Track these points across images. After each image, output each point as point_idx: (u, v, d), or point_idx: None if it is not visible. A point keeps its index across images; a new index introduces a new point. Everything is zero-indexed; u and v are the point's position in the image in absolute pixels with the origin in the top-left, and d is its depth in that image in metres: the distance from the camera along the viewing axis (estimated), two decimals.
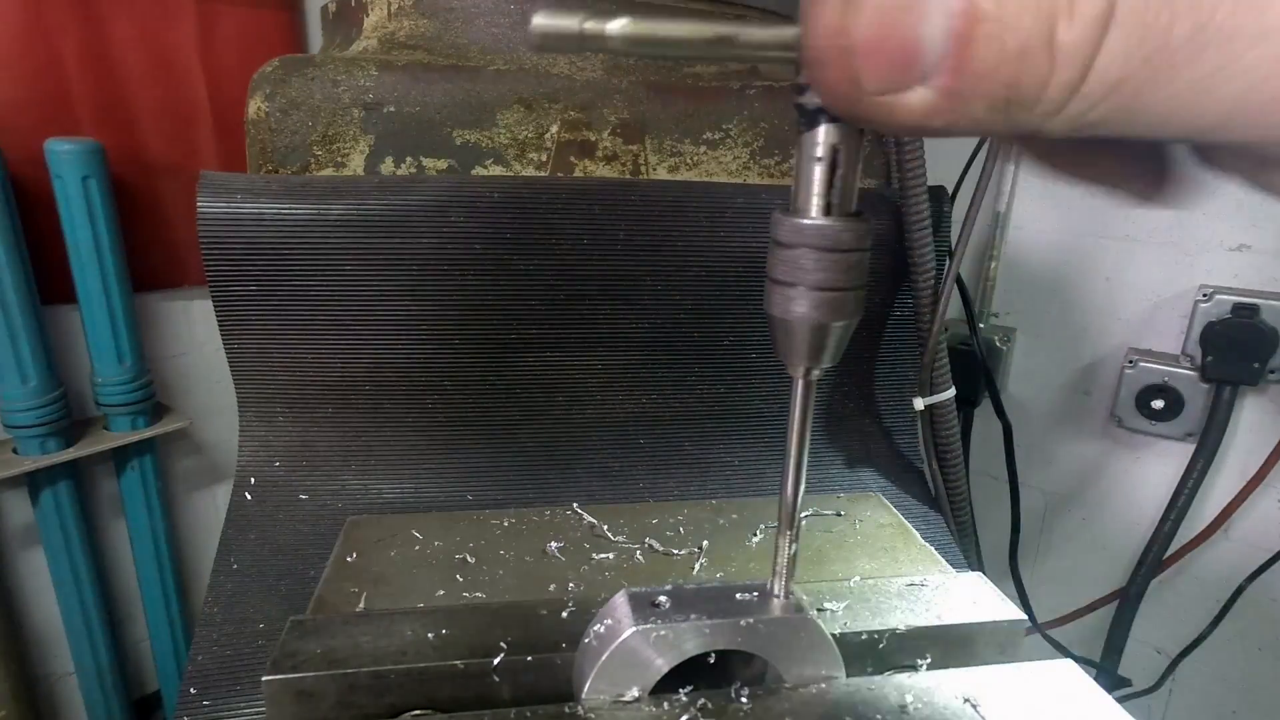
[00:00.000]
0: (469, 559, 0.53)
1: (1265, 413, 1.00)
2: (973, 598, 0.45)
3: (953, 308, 0.75)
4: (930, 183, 0.71)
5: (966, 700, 0.37)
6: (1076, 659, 0.43)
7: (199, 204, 0.59)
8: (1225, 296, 0.98)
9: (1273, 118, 0.17)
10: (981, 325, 1.16)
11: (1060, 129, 0.19)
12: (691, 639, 0.35)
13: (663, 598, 0.36)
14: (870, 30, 0.18)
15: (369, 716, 0.37)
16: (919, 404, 0.76)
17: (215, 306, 0.62)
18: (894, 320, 0.76)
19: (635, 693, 0.35)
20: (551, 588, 0.51)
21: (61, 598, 1.20)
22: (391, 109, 0.66)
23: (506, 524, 0.58)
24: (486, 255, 0.64)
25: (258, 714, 0.47)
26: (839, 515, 0.61)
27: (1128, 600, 1.10)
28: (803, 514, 0.60)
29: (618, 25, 0.18)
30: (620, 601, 0.36)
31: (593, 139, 0.68)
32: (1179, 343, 1.03)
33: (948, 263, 0.75)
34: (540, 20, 0.18)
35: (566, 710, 0.35)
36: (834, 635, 0.37)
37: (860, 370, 0.77)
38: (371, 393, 0.66)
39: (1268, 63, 0.16)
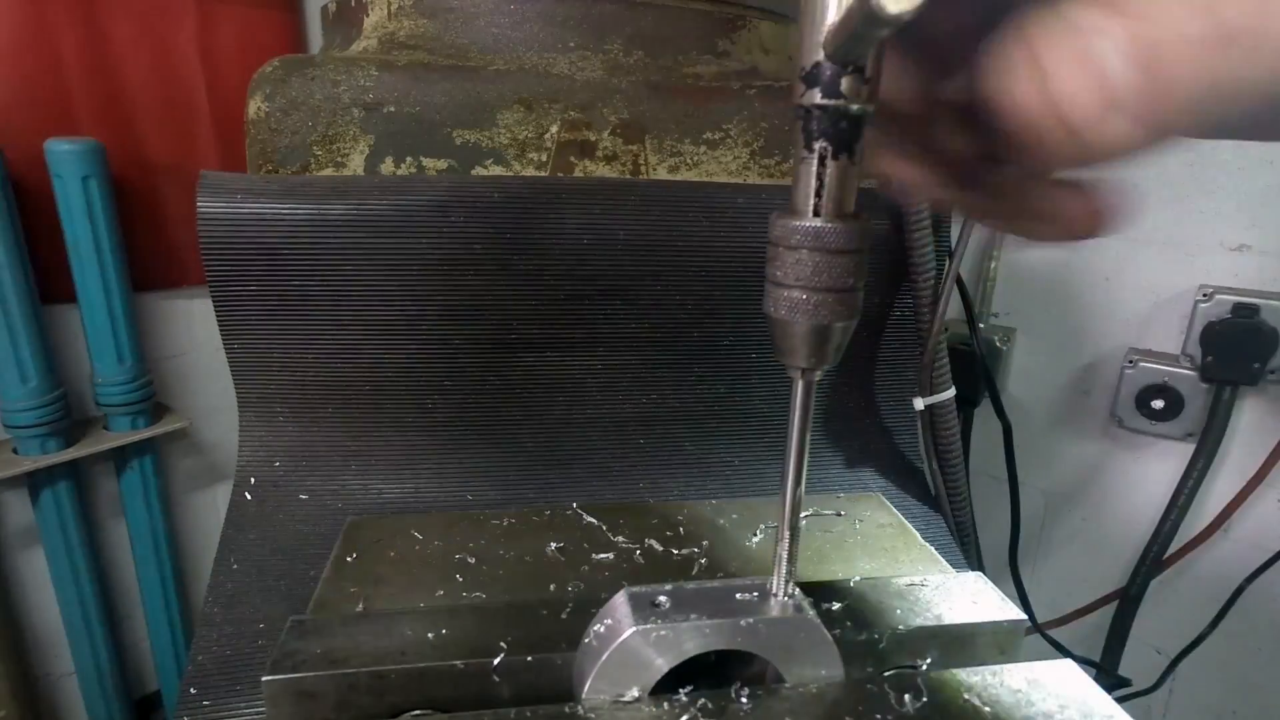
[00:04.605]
0: (469, 559, 0.53)
1: (1265, 413, 1.00)
2: (973, 598, 0.45)
3: (952, 308, 0.75)
4: None
5: (966, 700, 0.37)
6: (1076, 659, 0.43)
7: (199, 204, 0.59)
8: (1225, 296, 0.98)
9: None
10: (981, 325, 1.16)
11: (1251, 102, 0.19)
12: (691, 639, 0.35)
13: (663, 597, 0.36)
14: (1065, 86, 0.20)
15: (369, 716, 0.37)
16: (919, 404, 0.76)
17: (215, 306, 0.62)
18: (894, 320, 0.76)
19: (635, 693, 0.35)
20: (551, 588, 0.51)
21: (61, 598, 1.20)
22: (391, 109, 0.66)
23: (506, 524, 0.58)
24: (486, 255, 0.64)
25: (258, 714, 0.47)
26: (839, 515, 0.61)
27: (1128, 600, 1.10)
28: (803, 514, 0.60)
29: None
30: (620, 601, 0.36)
31: (593, 139, 0.68)
32: (1179, 343, 1.03)
33: (948, 263, 0.75)
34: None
35: (566, 710, 0.35)
36: (834, 635, 0.37)
37: (860, 370, 0.77)
38: (371, 393, 0.66)
39: None
